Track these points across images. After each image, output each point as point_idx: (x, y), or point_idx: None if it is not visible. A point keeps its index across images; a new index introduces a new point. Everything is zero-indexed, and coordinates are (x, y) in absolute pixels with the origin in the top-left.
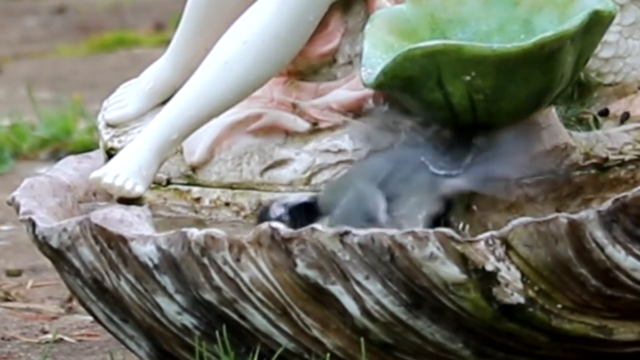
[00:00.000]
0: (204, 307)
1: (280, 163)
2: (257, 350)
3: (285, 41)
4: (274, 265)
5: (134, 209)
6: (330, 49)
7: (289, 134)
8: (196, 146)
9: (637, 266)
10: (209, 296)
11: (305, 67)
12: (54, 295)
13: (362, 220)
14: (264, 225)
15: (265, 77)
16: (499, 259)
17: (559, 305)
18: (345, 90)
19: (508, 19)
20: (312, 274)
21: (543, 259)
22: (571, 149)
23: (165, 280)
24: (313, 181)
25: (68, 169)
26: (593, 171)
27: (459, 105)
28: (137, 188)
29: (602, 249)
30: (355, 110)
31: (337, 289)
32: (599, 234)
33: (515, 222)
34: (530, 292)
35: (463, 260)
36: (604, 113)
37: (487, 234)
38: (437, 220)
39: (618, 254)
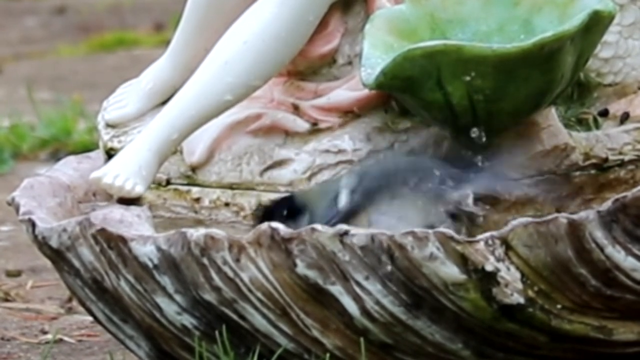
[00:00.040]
0: (204, 307)
1: (280, 163)
2: (256, 350)
3: (285, 41)
4: (273, 265)
5: (134, 209)
6: (330, 49)
7: (288, 134)
8: (196, 146)
9: (636, 266)
10: (209, 296)
11: (305, 68)
12: (54, 296)
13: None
14: (264, 226)
15: (265, 77)
16: (498, 259)
17: (559, 306)
18: (345, 91)
19: (508, 19)
20: (311, 274)
21: (543, 259)
22: (571, 149)
23: (165, 281)
24: (313, 181)
25: (68, 169)
26: (593, 171)
27: (459, 105)
28: (137, 188)
29: (601, 249)
30: (355, 111)
31: (336, 289)
32: (599, 234)
33: (515, 222)
34: (530, 293)
35: (463, 261)
36: (604, 113)
37: (487, 234)
38: None
39: (618, 254)
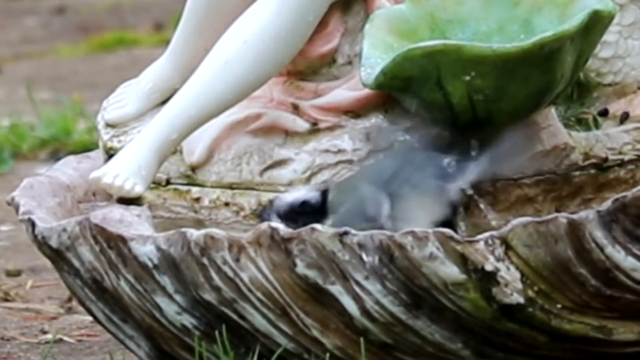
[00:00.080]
0: (204, 307)
1: (280, 163)
2: (256, 350)
3: (285, 41)
4: (273, 265)
5: (134, 209)
6: (329, 49)
7: (288, 134)
8: (196, 146)
9: (636, 266)
10: (209, 296)
11: (304, 67)
12: (54, 296)
13: (364, 222)
14: (264, 225)
15: (265, 77)
16: (498, 259)
17: (559, 305)
18: (344, 91)
19: (508, 19)
20: (311, 274)
21: (542, 259)
22: (571, 149)
23: (165, 280)
24: (313, 181)
25: (68, 169)
26: (593, 171)
27: (458, 105)
28: (137, 188)
29: (601, 249)
30: (355, 110)
31: (336, 289)
32: (599, 234)
33: (515, 222)
34: (530, 292)
35: (462, 260)
36: (604, 113)
37: (486, 234)
38: (443, 225)
39: (617, 254)
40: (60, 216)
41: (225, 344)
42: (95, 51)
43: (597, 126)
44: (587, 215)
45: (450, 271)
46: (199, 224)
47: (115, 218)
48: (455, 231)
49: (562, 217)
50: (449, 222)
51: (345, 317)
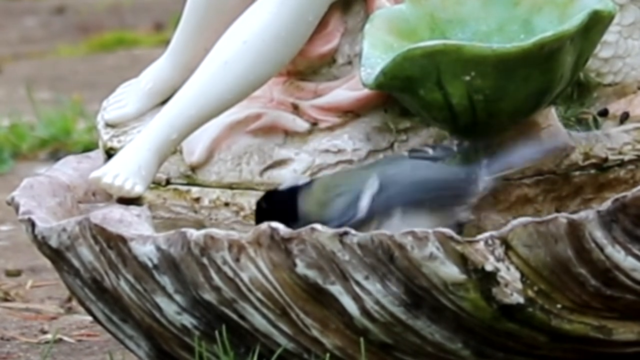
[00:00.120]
0: (204, 307)
1: (280, 163)
2: (256, 350)
3: (285, 41)
4: (273, 265)
5: (134, 208)
6: (329, 49)
7: (288, 134)
8: (196, 146)
9: (636, 266)
10: (209, 296)
11: (304, 67)
12: (54, 295)
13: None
14: (264, 225)
15: (264, 77)
16: (498, 259)
17: (559, 305)
18: (344, 90)
19: (508, 19)
20: (311, 274)
21: (542, 259)
22: (571, 149)
23: (165, 280)
24: None
25: (67, 169)
26: (593, 171)
27: (458, 105)
28: (137, 188)
29: (601, 249)
30: (355, 110)
31: (336, 289)
32: (599, 234)
33: (514, 222)
34: (530, 292)
35: (462, 261)
36: (604, 113)
37: (486, 234)
38: None
39: (617, 254)
40: (60, 216)
41: (225, 344)
42: (95, 51)
43: (597, 126)
44: (587, 215)
45: (450, 271)
46: (198, 224)
47: (115, 218)
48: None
49: (562, 217)
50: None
51: (345, 317)
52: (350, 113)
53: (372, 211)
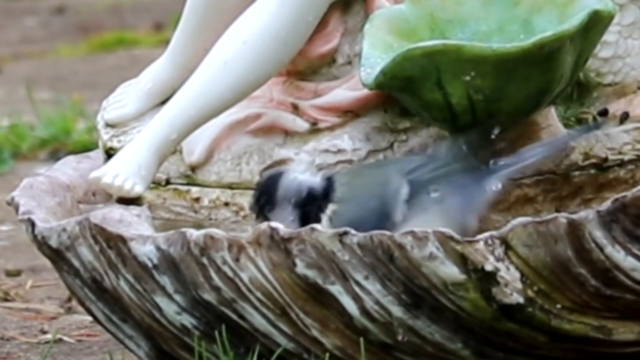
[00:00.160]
0: (203, 307)
1: (280, 163)
2: (256, 350)
3: (284, 41)
4: (273, 265)
5: (133, 208)
6: (329, 49)
7: (288, 134)
8: (195, 146)
9: (636, 266)
10: (208, 296)
11: (304, 67)
12: (53, 295)
13: (376, 204)
14: (263, 225)
15: (264, 77)
16: (498, 259)
17: (559, 305)
18: (344, 90)
19: (508, 19)
20: (311, 273)
21: (542, 259)
22: (570, 149)
23: (165, 280)
24: None
25: (67, 169)
26: (592, 171)
27: (458, 105)
28: (137, 188)
29: (601, 249)
30: (355, 110)
31: (336, 289)
32: (599, 234)
33: (514, 222)
34: (530, 292)
35: (462, 260)
36: (603, 113)
37: (486, 234)
38: None
39: (617, 254)
40: (60, 216)
41: (224, 344)
42: (95, 51)
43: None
44: (587, 215)
45: (450, 271)
46: (198, 225)
47: (115, 218)
48: None
49: (562, 217)
50: None
51: (345, 317)
52: (350, 113)
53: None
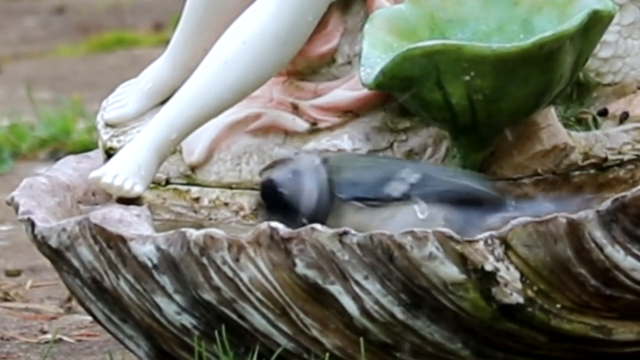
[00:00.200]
0: (203, 307)
1: (280, 163)
2: (256, 350)
3: (284, 41)
4: (273, 265)
5: (133, 208)
6: (329, 48)
7: (288, 134)
8: (195, 146)
9: (636, 266)
10: (208, 296)
11: (304, 67)
12: (53, 295)
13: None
14: (263, 225)
15: (264, 77)
16: (498, 259)
17: (558, 305)
18: (344, 90)
19: (507, 19)
20: (311, 273)
21: (542, 259)
22: (570, 149)
23: (165, 280)
24: None
25: (67, 168)
26: (592, 171)
27: (458, 105)
28: (136, 188)
29: (601, 249)
30: (355, 110)
31: (336, 289)
32: (598, 234)
33: (514, 221)
34: (530, 292)
35: (462, 260)
36: (603, 113)
37: (486, 234)
38: None
39: (617, 254)
40: (60, 216)
41: (224, 344)
42: (95, 51)
43: (596, 126)
44: (587, 215)
45: (450, 271)
46: (198, 224)
47: (115, 218)
48: None
49: (562, 217)
50: None
51: (345, 317)
52: (350, 113)
53: (401, 196)
